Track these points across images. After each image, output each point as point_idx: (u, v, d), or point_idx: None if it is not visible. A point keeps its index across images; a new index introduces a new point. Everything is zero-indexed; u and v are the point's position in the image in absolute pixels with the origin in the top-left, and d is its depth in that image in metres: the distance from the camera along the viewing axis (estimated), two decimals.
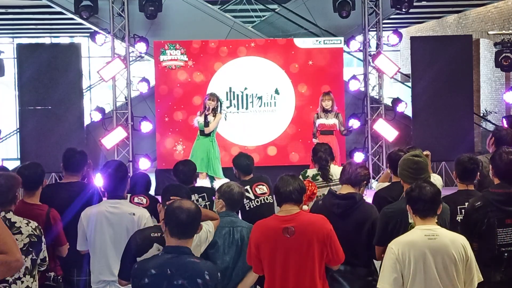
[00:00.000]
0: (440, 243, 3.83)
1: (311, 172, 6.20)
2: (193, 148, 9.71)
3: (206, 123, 9.39)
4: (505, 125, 11.26)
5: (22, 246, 3.95)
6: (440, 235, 3.87)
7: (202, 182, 8.99)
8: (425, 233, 3.86)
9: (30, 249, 3.96)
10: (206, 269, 3.49)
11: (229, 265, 4.40)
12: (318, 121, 9.77)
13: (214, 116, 9.46)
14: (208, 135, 9.53)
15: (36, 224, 4.12)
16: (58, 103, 11.47)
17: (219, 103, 9.63)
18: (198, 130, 9.70)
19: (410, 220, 4.03)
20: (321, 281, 4.13)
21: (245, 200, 5.84)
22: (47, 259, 4.23)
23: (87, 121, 11.84)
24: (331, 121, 9.74)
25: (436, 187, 4.02)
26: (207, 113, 9.37)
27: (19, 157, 12.17)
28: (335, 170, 6.06)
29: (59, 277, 4.83)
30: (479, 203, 4.54)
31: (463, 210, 4.70)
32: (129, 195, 5.26)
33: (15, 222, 4.00)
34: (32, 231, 4.03)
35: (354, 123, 11.58)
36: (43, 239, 4.14)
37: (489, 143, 6.18)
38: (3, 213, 4.02)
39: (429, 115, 11.76)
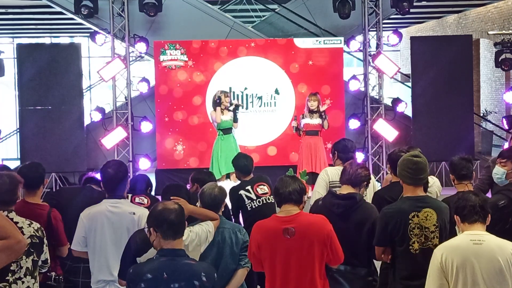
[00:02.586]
0: (486, 248, 3.70)
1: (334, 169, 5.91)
2: (219, 148, 9.50)
3: (236, 119, 9.43)
4: (505, 125, 11.31)
5: None
6: (487, 241, 3.73)
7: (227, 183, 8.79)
8: (470, 238, 3.75)
9: (32, 250, 3.96)
10: (203, 270, 3.47)
11: (212, 266, 4.38)
12: (303, 121, 9.78)
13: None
14: (230, 132, 9.51)
15: (39, 226, 4.12)
16: (58, 103, 11.47)
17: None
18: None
19: (458, 233, 3.91)
20: (322, 281, 4.14)
21: (246, 200, 5.87)
22: (48, 261, 4.23)
23: (87, 121, 11.84)
24: (315, 121, 9.71)
25: (482, 195, 3.93)
26: (236, 106, 9.46)
27: (19, 157, 12.17)
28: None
29: (59, 277, 4.83)
30: (502, 202, 4.53)
31: None
32: (130, 195, 5.26)
33: (17, 223, 4.00)
34: (34, 232, 4.03)
35: (354, 123, 11.61)
36: (45, 241, 4.13)
37: (510, 141, 6.21)
38: (6, 213, 4.03)
39: (429, 115, 11.75)
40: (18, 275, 3.88)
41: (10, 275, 3.84)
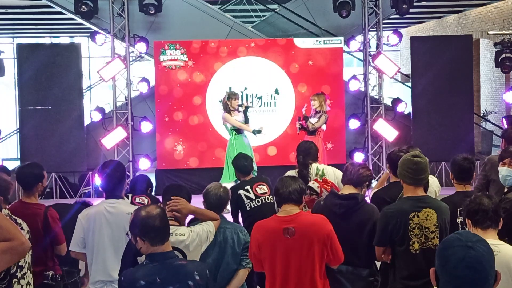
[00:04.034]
0: (501, 259, 3.47)
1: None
2: (235, 148, 9.39)
3: (247, 119, 9.43)
4: (505, 125, 11.30)
5: None
6: (502, 251, 3.56)
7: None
8: None
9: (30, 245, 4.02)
10: (195, 269, 3.43)
11: (211, 267, 4.38)
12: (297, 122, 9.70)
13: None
14: (242, 131, 9.51)
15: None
16: (58, 103, 11.48)
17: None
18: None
19: None
20: (322, 281, 4.14)
21: (245, 200, 5.88)
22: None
23: (87, 121, 11.84)
24: (312, 120, 9.63)
25: (495, 198, 3.85)
26: (245, 107, 9.43)
27: (19, 157, 12.17)
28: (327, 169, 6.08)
29: (57, 276, 4.85)
30: None
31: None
32: (130, 196, 5.26)
33: (16, 219, 4.09)
34: (28, 228, 4.15)
35: (354, 123, 11.60)
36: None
37: (502, 146, 6.18)
38: (6, 211, 4.08)
39: (429, 115, 11.76)
40: (24, 270, 3.99)
41: (19, 270, 3.94)
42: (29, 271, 4.02)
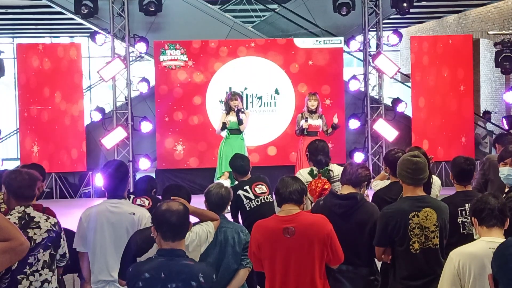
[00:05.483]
0: None
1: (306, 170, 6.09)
2: (223, 147, 9.58)
3: (240, 121, 9.42)
4: (505, 125, 11.31)
5: (41, 240, 4.05)
6: None
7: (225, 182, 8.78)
8: (490, 245, 3.58)
9: (49, 244, 4.08)
10: (201, 271, 3.43)
11: (212, 267, 4.38)
12: (304, 121, 9.61)
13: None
14: (239, 133, 9.52)
15: (56, 221, 4.24)
16: (58, 103, 11.50)
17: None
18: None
19: (476, 236, 3.80)
20: (322, 281, 4.14)
21: (245, 200, 5.88)
22: (67, 255, 4.37)
23: (87, 121, 11.84)
24: (316, 122, 9.59)
25: (502, 198, 3.86)
26: (237, 110, 9.42)
27: (19, 157, 12.17)
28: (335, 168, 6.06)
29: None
30: None
31: (463, 212, 4.69)
32: (132, 197, 5.26)
33: (34, 217, 4.13)
34: (51, 226, 4.14)
35: (354, 123, 11.60)
36: (63, 236, 4.27)
37: (497, 150, 6.17)
38: (23, 208, 4.11)
39: (429, 115, 11.77)
40: (35, 267, 4.01)
41: (27, 267, 3.96)
42: (46, 269, 4.05)
